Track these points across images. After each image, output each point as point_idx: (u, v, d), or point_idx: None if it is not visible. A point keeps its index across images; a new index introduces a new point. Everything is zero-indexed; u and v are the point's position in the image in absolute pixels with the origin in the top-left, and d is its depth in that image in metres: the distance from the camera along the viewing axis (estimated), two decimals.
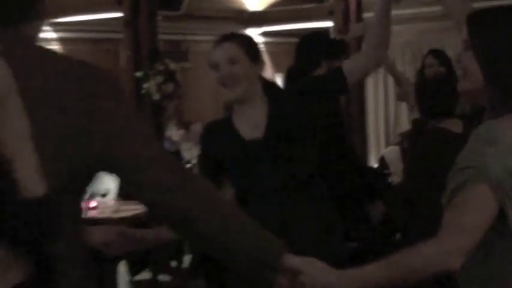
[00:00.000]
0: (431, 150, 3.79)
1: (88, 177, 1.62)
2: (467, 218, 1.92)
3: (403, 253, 1.96)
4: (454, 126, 3.76)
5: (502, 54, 1.98)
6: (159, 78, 7.02)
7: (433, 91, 4.03)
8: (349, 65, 2.97)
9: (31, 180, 1.41)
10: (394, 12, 7.38)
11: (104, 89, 1.56)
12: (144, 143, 1.62)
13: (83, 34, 8.42)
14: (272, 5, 9.92)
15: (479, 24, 2.02)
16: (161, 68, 7.01)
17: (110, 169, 1.66)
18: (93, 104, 1.53)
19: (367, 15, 7.28)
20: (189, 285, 5.42)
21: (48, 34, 8.12)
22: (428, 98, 4.08)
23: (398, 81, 6.00)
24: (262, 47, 10.11)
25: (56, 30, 8.23)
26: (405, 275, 1.95)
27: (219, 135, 2.81)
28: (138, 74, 7.07)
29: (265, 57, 9.19)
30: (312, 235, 2.86)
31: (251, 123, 2.75)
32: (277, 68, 8.55)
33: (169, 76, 7.04)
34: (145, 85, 7.02)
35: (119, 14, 7.34)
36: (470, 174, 1.91)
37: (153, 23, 7.34)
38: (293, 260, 2.01)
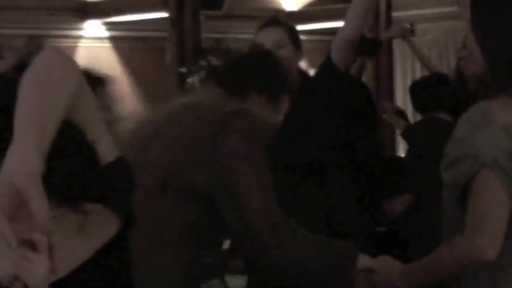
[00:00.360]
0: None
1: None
2: (485, 210, 1.84)
3: (439, 253, 1.93)
4: None
5: (490, 34, 1.91)
6: (202, 74, 6.94)
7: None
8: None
9: (108, 150, 1.48)
10: (422, 11, 7.81)
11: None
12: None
13: (132, 33, 8.57)
14: (307, 5, 9.92)
15: (475, 5, 1.95)
16: (204, 64, 6.99)
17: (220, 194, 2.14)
18: None
19: (396, 14, 7.39)
20: (229, 265, 5.58)
21: (101, 33, 8.45)
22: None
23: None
24: None
25: (108, 29, 8.48)
26: (444, 275, 1.95)
27: None
28: (183, 69, 7.10)
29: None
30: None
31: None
32: (311, 64, 8.06)
33: (212, 71, 6.95)
34: (189, 80, 7.02)
35: (165, 14, 7.43)
36: (467, 164, 1.83)
37: (196, 22, 7.34)
38: (366, 260, 2.12)
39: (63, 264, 1.32)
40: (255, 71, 2.42)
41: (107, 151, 1.47)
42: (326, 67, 3.03)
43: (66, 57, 1.36)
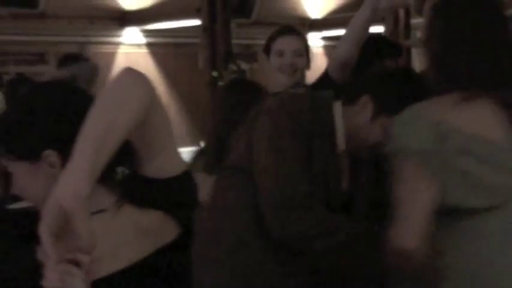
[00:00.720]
0: None
1: None
2: (403, 201, 1.80)
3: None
4: None
5: (434, 37, 1.89)
6: (232, 77, 6.79)
7: None
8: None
9: (173, 164, 1.50)
10: None
11: None
12: None
13: (167, 39, 8.65)
14: (331, 13, 9.96)
15: (431, 8, 1.93)
16: (234, 68, 6.96)
17: None
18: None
19: (414, 21, 7.11)
20: None
21: (139, 39, 8.57)
22: None
23: None
24: (322, 49, 10.58)
25: (145, 36, 8.63)
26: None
27: None
28: (214, 73, 6.99)
29: (325, 58, 9.47)
30: None
31: None
32: None
33: (241, 75, 7.05)
34: (220, 83, 6.80)
35: (198, 22, 7.29)
36: (395, 157, 1.81)
37: (227, 29, 7.16)
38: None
39: (107, 260, 1.33)
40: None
41: (172, 165, 1.48)
42: (324, 80, 2.86)
43: (140, 77, 1.34)
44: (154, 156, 1.44)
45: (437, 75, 1.87)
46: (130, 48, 8.57)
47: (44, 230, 1.11)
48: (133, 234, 1.45)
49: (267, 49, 3.01)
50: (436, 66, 1.88)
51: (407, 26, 7.10)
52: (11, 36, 7.46)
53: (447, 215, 1.77)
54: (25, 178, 1.44)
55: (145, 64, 8.16)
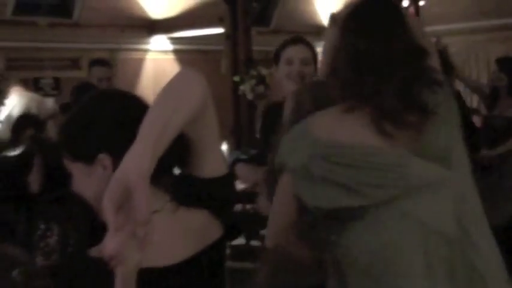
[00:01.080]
0: None
1: None
2: (274, 209, 1.90)
3: None
4: None
5: (333, 49, 1.84)
6: (253, 82, 7.13)
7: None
8: None
9: (217, 164, 1.53)
10: (445, 26, 7.93)
11: None
12: None
13: (192, 46, 8.71)
14: None
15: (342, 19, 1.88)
16: (254, 73, 7.18)
17: None
18: None
19: (427, 29, 7.28)
20: None
21: (166, 46, 8.66)
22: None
23: (475, 89, 5.90)
24: None
25: (172, 43, 8.73)
26: None
27: None
28: (236, 78, 7.30)
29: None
30: None
31: None
32: None
33: (261, 80, 7.14)
34: (241, 87, 7.25)
35: (221, 30, 7.63)
36: (278, 170, 1.85)
37: (248, 37, 7.53)
38: None
39: (160, 256, 1.39)
40: None
41: (219, 165, 1.52)
42: None
43: (196, 77, 1.38)
44: (204, 155, 1.48)
45: (332, 84, 1.84)
46: (157, 54, 8.62)
47: (108, 199, 1.14)
48: (183, 232, 1.47)
49: (277, 57, 3.04)
50: (329, 75, 1.87)
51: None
52: (48, 43, 7.54)
53: (336, 218, 1.78)
54: (81, 178, 1.49)
55: (172, 69, 8.04)
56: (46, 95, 7.06)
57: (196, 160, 1.48)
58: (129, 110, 1.48)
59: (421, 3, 8.33)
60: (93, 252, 1.39)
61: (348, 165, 1.73)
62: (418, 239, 1.75)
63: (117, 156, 1.35)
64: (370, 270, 1.76)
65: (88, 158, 1.46)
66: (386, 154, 1.75)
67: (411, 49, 1.81)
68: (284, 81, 2.98)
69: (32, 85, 7.27)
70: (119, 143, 1.38)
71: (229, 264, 2.55)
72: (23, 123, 4.50)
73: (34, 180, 2.64)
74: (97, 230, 1.29)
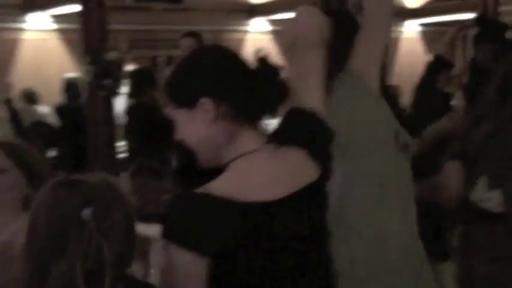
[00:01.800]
0: None
1: None
2: None
3: None
4: None
5: None
6: None
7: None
8: None
9: (315, 106, 1.57)
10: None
11: None
12: None
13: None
14: (427, 2, 10.08)
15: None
16: None
17: None
18: None
19: (504, 8, 6.84)
20: None
21: (265, 28, 8.95)
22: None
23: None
24: (419, 35, 10.75)
25: (271, 25, 8.97)
26: None
27: None
28: None
29: (422, 43, 9.93)
30: None
31: None
32: (430, 51, 8.54)
33: None
34: None
35: None
36: None
37: None
38: None
39: (262, 191, 1.39)
40: None
41: (315, 105, 1.55)
42: None
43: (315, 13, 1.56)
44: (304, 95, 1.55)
45: None
46: (257, 35, 9.12)
47: (282, 38, 1.45)
48: (282, 171, 1.45)
49: None
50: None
51: (496, 14, 6.81)
52: (161, 25, 8.17)
53: None
54: (185, 125, 1.48)
55: (270, 48, 8.39)
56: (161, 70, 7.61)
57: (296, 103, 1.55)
58: (227, 58, 1.49)
59: None
60: (200, 190, 1.37)
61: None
62: None
63: (218, 100, 1.41)
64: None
65: (190, 103, 1.45)
66: None
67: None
68: None
69: (150, 62, 7.97)
70: (219, 86, 1.42)
71: None
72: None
73: None
74: (201, 174, 1.35)
